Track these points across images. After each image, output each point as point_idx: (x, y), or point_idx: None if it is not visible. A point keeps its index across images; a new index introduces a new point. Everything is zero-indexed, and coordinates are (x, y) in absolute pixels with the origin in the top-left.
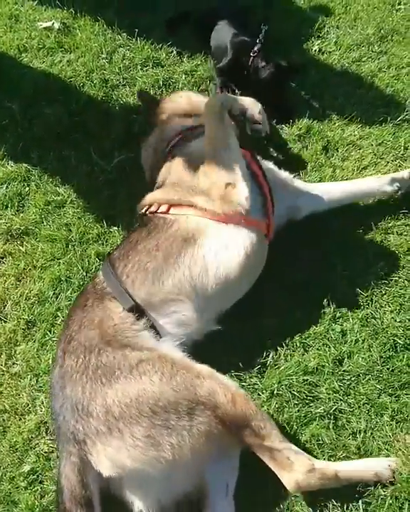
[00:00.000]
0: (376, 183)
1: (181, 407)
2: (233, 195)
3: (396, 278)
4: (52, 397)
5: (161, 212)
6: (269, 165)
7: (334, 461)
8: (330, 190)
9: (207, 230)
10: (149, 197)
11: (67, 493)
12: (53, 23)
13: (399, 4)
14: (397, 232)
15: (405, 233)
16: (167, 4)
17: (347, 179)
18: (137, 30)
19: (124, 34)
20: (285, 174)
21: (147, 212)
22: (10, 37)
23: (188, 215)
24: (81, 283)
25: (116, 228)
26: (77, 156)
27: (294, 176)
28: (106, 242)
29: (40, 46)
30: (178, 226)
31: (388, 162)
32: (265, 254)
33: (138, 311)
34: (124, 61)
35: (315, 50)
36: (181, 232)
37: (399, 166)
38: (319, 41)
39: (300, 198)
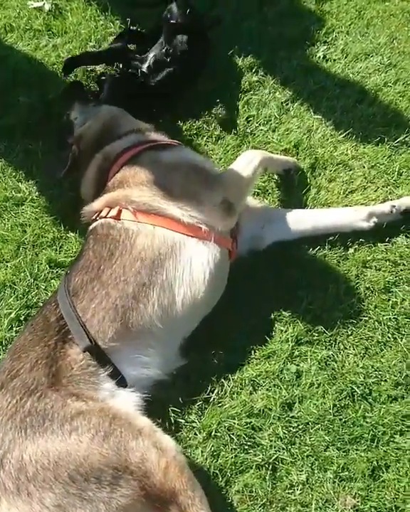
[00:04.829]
0: (350, 218)
1: (104, 476)
2: (227, 213)
3: (366, 318)
4: None
5: (112, 217)
6: None
7: None
8: (299, 220)
9: (175, 247)
10: (106, 198)
11: None
12: (44, 4)
13: None
14: (375, 266)
15: (384, 269)
16: None
17: (330, 203)
18: (129, 20)
19: (117, 22)
20: (251, 200)
21: (98, 217)
22: None
23: (155, 226)
24: (27, 290)
25: (73, 234)
26: (44, 150)
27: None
28: (60, 248)
29: (27, 27)
30: (143, 243)
31: (378, 187)
32: (227, 274)
33: (100, 356)
34: None
35: (319, 57)
36: (148, 254)
37: (390, 192)
38: (325, 47)
39: (264, 227)
